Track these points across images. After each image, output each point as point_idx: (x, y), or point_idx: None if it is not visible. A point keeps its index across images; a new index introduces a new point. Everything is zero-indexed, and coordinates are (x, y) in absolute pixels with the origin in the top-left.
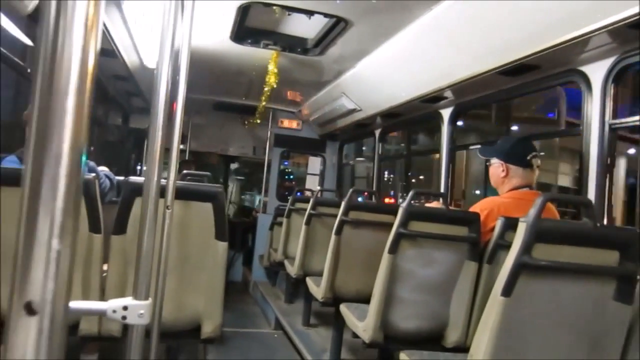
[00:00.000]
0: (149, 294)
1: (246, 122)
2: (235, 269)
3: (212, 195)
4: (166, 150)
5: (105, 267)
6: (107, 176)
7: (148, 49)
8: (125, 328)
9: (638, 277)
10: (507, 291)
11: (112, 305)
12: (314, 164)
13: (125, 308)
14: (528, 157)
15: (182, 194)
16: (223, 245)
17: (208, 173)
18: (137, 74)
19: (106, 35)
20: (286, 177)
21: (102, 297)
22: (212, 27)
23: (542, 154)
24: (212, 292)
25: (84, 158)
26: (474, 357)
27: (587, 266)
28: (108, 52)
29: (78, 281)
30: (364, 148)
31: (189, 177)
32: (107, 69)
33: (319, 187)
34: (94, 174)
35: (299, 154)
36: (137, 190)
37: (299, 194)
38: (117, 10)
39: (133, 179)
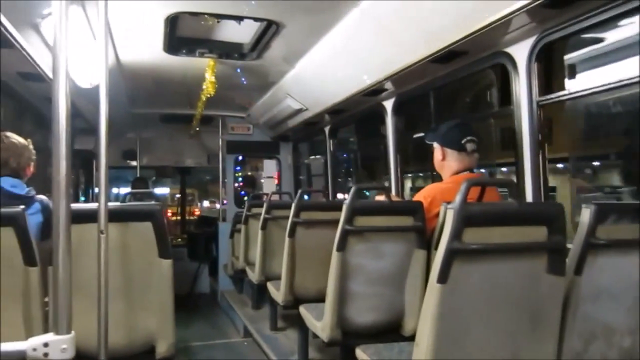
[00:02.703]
0: (70, 327)
1: (192, 131)
2: (201, 281)
3: (150, 214)
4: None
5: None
6: None
7: (78, 70)
8: None
9: (568, 246)
10: (443, 278)
11: (32, 343)
12: (269, 166)
13: (46, 345)
14: (463, 141)
15: (117, 217)
16: (167, 263)
17: (151, 190)
18: (72, 96)
19: (30, 60)
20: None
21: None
22: (142, 41)
23: None
24: (163, 311)
25: None
26: (420, 345)
27: (518, 244)
28: (35, 76)
29: (19, 318)
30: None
31: (137, 195)
32: (39, 94)
33: (271, 191)
34: (23, 206)
35: (253, 158)
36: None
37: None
38: (35, 33)
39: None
